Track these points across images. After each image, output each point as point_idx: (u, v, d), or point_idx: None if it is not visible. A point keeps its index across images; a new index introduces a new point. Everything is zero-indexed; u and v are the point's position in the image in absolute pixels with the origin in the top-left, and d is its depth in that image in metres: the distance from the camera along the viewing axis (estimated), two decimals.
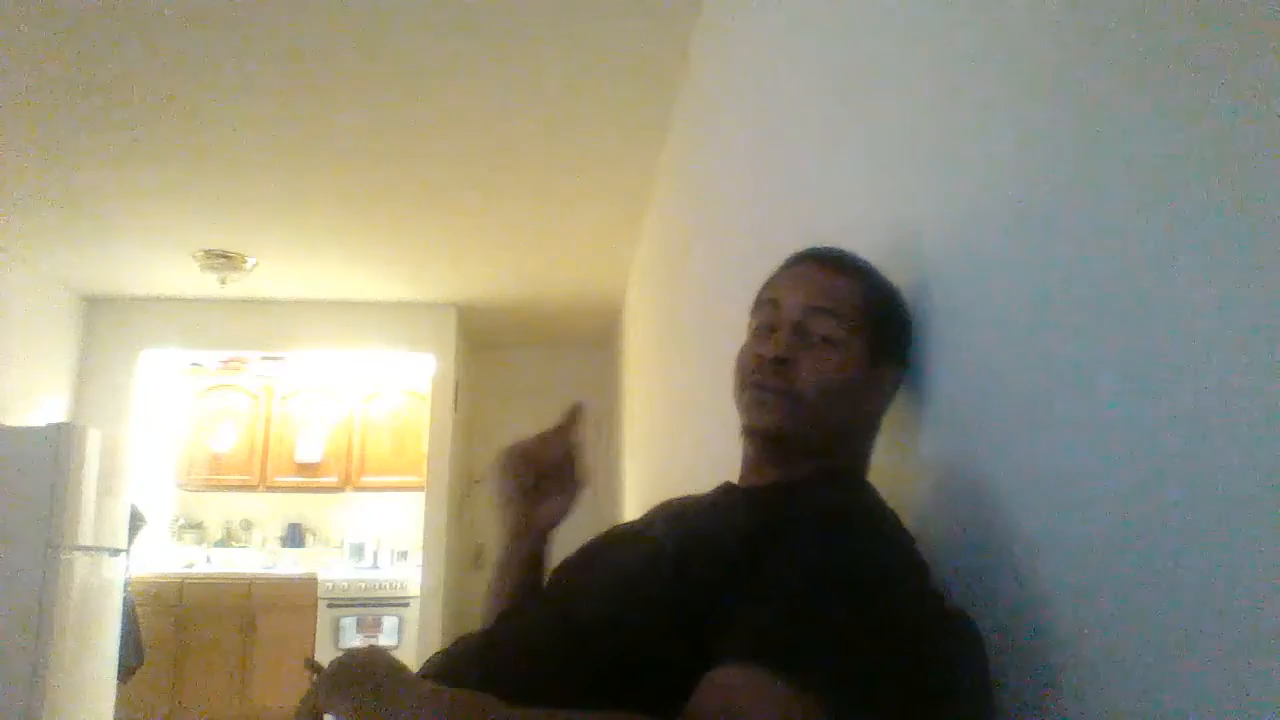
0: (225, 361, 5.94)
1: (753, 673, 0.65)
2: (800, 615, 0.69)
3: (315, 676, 0.77)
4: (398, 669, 0.72)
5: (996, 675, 0.79)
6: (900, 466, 1.04)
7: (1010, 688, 0.78)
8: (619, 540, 0.98)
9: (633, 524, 1.04)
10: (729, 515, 0.89)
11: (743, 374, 0.97)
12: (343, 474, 5.87)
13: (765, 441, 0.94)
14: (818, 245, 1.02)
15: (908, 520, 0.86)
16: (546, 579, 0.99)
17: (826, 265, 0.98)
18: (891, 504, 0.89)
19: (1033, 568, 0.77)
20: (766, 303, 0.98)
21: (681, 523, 0.93)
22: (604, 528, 1.02)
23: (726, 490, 0.99)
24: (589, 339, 6.44)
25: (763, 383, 0.93)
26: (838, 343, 0.92)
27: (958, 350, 0.94)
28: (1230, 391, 0.55)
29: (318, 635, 5.20)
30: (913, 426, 1.03)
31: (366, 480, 5.89)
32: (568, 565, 0.98)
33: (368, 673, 0.71)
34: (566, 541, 1.04)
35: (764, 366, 0.93)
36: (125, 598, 4.55)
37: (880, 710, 0.66)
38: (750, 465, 0.98)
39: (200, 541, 5.86)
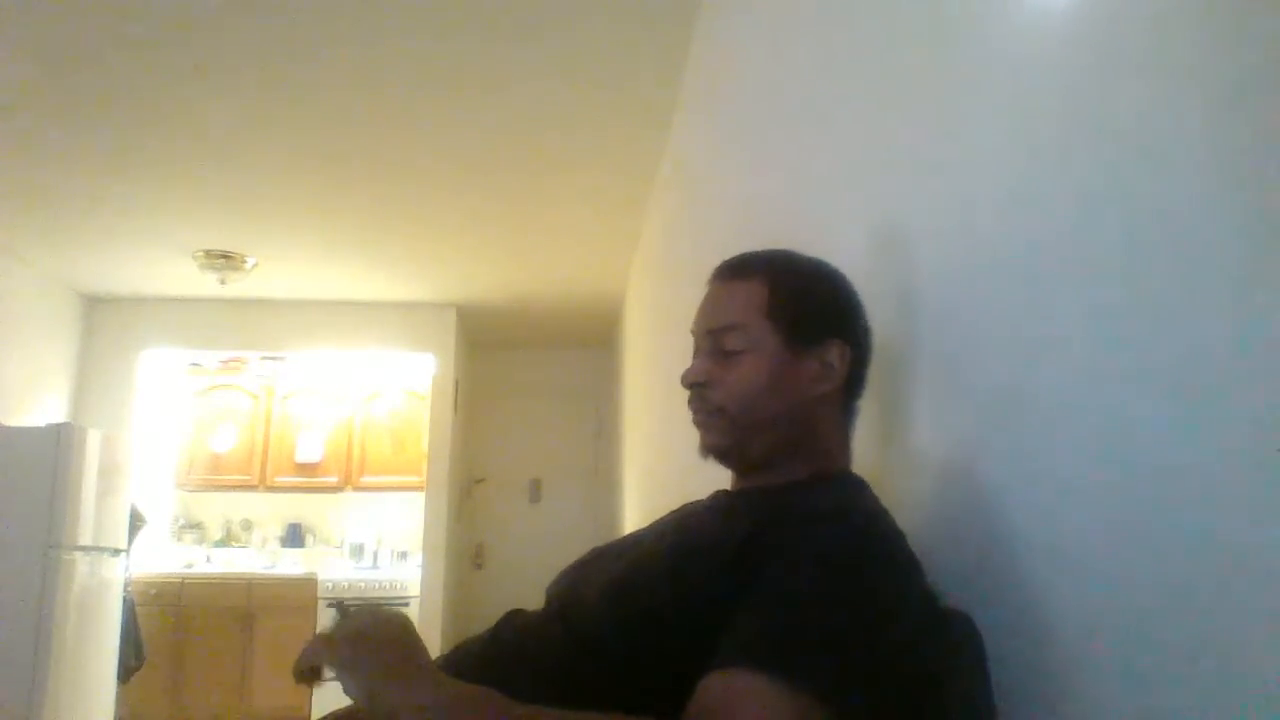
0: (225, 361, 5.94)
1: (751, 676, 0.65)
2: (796, 618, 0.69)
3: (336, 622, 0.76)
4: (413, 651, 0.72)
5: (995, 672, 0.79)
6: (895, 464, 1.05)
7: (1009, 684, 0.78)
8: (618, 549, 0.99)
9: (633, 534, 1.05)
10: (723, 520, 0.89)
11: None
12: (343, 474, 5.87)
13: (719, 459, 0.97)
14: (730, 256, 1.02)
15: (904, 518, 0.86)
16: (548, 586, 1.00)
17: (726, 278, 0.99)
18: (886, 502, 0.89)
19: (1030, 565, 0.77)
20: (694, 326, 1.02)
21: (677, 530, 0.94)
22: (604, 528, 1.03)
23: (720, 496, 1.00)
24: (589, 339, 6.44)
25: (693, 408, 0.97)
26: (747, 350, 0.93)
27: (951, 347, 0.94)
28: (1223, 388, 0.55)
29: None
30: (906, 423, 1.03)
31: (366, 480, 5.88)
32: (569, 573, 0.98)
33: (382, 648, 0.70)
34: (569, 546, 1.04)
35: (691, 394, 0.97)
36: (125, 598, 4.55)
37: (879, 711, 0.67)
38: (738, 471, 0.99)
39: (200, 541, 5.85)
